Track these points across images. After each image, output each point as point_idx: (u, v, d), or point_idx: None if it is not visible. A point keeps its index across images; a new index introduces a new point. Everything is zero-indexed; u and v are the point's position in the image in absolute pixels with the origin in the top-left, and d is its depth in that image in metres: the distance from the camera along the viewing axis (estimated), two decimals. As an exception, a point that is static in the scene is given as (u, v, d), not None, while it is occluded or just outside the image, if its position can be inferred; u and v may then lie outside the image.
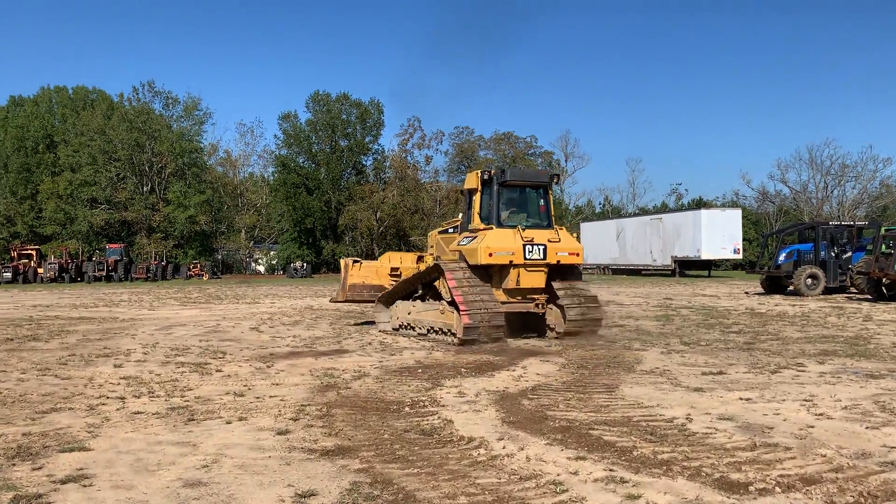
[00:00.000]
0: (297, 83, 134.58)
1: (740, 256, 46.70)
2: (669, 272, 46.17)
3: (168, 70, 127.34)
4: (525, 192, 13.53)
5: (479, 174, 13.00)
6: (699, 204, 64.96)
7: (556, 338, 12.71)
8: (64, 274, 46.08)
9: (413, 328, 13.64)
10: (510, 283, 12.68)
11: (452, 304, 12.26)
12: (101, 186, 54.90)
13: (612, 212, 77.03)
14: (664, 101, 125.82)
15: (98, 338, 13.80)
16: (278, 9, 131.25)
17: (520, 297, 12.89)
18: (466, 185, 13.42)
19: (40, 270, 46.34)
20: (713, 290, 30.31)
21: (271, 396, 7.87)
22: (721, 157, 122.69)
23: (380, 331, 14.54)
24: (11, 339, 13.40)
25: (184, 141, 58.55)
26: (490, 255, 12.20)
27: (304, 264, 56.71)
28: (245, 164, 73.65)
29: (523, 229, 12.60)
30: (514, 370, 9.51)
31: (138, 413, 7.06)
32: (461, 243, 13.01)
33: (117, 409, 7.23)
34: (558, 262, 12.75)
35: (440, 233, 14.99)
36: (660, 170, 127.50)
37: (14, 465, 5.30)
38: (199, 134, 61.86)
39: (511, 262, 12.40)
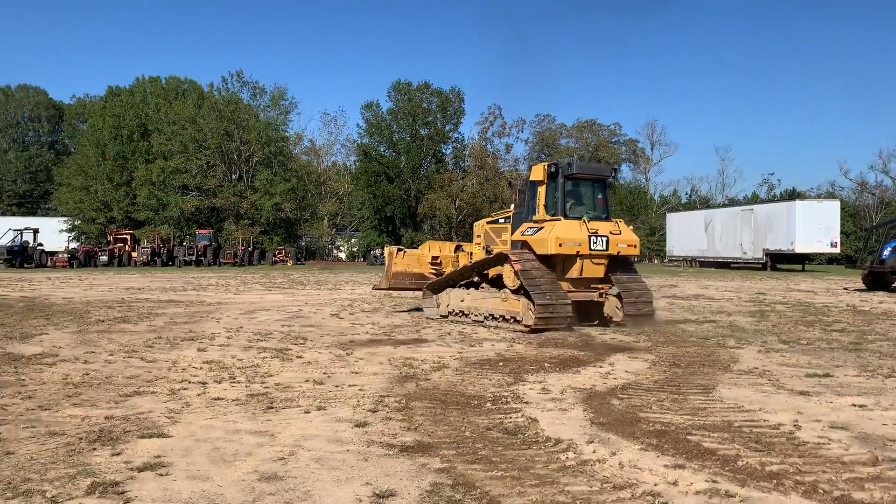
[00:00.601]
0: (380, 73, 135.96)
1: (837, 250, 44.27)
2: (760, 265, 44.21)
3: (256, 61, 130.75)
4: (587, 184, 13.87)
5: (546, 166, 13.32)
6: (792, 195, 61.99)
7: (616, 325, 13.17)
8: (156, 258, 47.87)
9: (466, 315, 13.95)
10: (574, 272, 13.09)
11: (518, 291, 12.63)
12: (191, 174, 56.73)
13: (699, 202, 74.47)
14: (756, 86, 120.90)
15: (184, 321, 14.06)
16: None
17: (582, 287, 13.29)
18: (532, 177, 13.60)
19: (134, 254, 48.29)
20: (808, 285, 28.73)
21: (350, 385, 7.71)
22: (816, 146, 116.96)
23: (427, 317, 14.73)
24: (103, 321, 13.81)
25: (270, 130, 59.77)
26: (560, 245, 12.56)
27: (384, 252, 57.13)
28: (328, 153, 74.95)
29: (587, 221, 12.94)
30: (601, 367, 9.05)
31: (218, 399, 7.01)
32: (526, 233, 13.24)
33: (198, 395, 7.21)
34: (618, 253, 13.24)
35: (489, 223, 15.17)
36: (750, 159, 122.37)
37: (95, 449, 5.27)
38: (284, 123, 63.09)
39: (578, 252, 12.79)
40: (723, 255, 47.39)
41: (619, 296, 13.24)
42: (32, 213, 70.71)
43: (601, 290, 13.37)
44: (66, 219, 59.63)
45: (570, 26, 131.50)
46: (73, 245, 53.74)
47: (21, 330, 12.17)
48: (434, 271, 16.15)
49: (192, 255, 48.71)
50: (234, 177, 58.79)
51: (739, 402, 6.96)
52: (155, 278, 31.40)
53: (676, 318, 15.39)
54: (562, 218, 12.94)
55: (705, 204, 70.87)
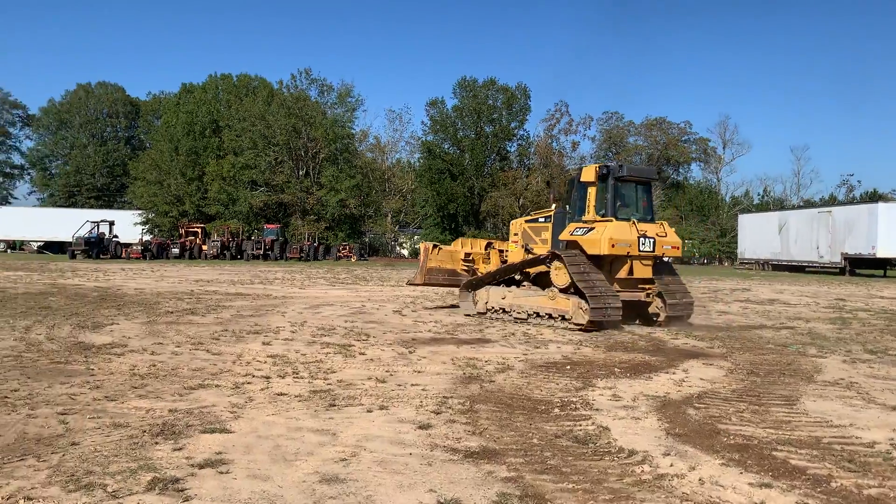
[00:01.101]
0: (446, 69, 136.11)
1: (923, 256, 41.96)
2: (838, 270, 42.31)
3: (324, 58, 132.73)
4: (634, 186, 14.10)
5: (597, 168, 13.56)
6: (874, 197, 59.27)
7: (660, 325, 13.48)
8: (225, 251, 48.98)
9: (507, 312, 14.00)
10: (623, 272, 13.41)
11: (567, 290, 12.94)
12: (260, 169, 57.82)
13: (773, 203, 71.96)
14: (834, 83, 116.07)
15: (250, 314, 14.19)
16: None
17: (629, 287, 13.52)
18: (582, 178, 13.76)
19: (204, 247, 49.51)
20: (892, 291, 27.27)
21: (413, 385, 7.54)
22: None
23: (465, 314, 14.77)
24: (171, 312, 14.04)
25: (337, 127, 60.43)
26: (613, 245, 12.83)
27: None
28: (393, 150, 75.38)
29: (636, 222, 13.30)
30: (674, 373, 8.65)
31: (281, 395, 6.93)
32: (575, 233, 13.47)
33: (261, 389, 7.15)
34: (664, 254, 13.74)
35: (528, 221, 15.37)
36: (828, 159, 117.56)
37: (157, 443, 5.23)
38: (351, 120, 63.67)
39: (628, 253, 13.08)
40: (797, 259, 45.58)
41: (661, 296, 13.56)
42: (109, 206, 73.38)
43: (648, 290, 13.62)
44: (140, 212, 61.58)
45: (639, 23, 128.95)
46: (147, 237, 55.42)
47: (94, 319, 12.46)
48: (466, 268, 16.44)
49: (260, 249, 49.64)
50: (300, 173, 59.67)
51: (827, 416, 6.49)
52: (224, 271, 32.05)
53: (751, 323, 14.73)
54: (613, 219, 13.18)
55: (779, 205, 68.43)
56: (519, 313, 13.76)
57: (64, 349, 9.24)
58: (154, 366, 8.31)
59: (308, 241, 54.12)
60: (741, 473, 4.81)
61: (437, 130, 64.13)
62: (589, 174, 13.56)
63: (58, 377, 7.49)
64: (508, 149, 65.79)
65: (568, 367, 8.89)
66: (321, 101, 62.25)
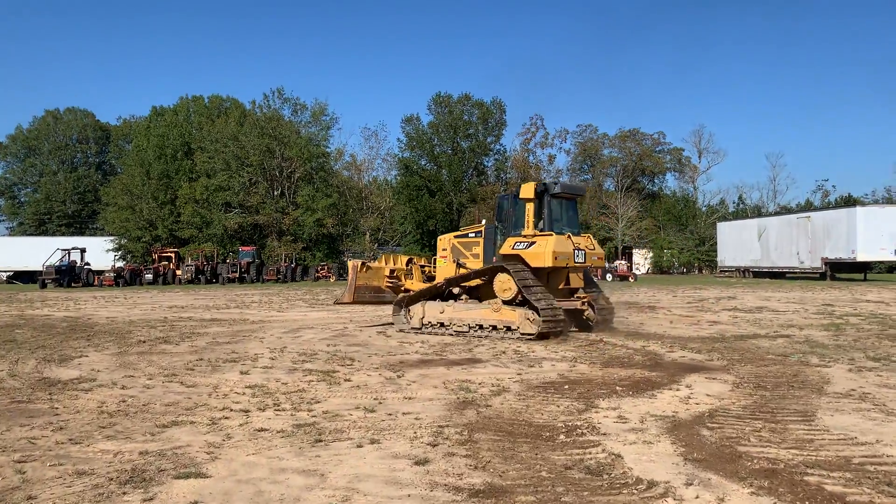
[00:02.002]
0: (420, 86, 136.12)
1: (901, 258, 42.26)
2: (818, 275, 42.48)
3: (296, 77, 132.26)
4: (566, 202, 14.87)
5: (536, 186, 14.17)
6: (848, 201, 59.83)
7: (592, 330, 14.34)
8: (200, 275, 47.98)
9: (445, 326, 14.17)
10: (561, 283, 14.32)
11: (512, 302, 13.45)
12: (234, 191, 57.02)
13: (750, 211, 72.43)
14: (807, 90, 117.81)
15: (227, 341, 13.58)
16: (399, 13, 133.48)
17: (566, 296, 14.26)
18: (522, 195, 14.20)
19: (178, 272, 48.49)
20: (876, 295, 27.25)
21: (404, 413, 7.02)
22: (871, 151, 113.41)
23: (398, 330, 14.75)
24: (144, 342, 13.38)
25: (311, 146, 59.85)
26: (556, 258, 13.45)
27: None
28: (369, 168, 74.89)
29: (571, 236, 14.08)
30: (677, 389, 8.22)
31: (262, 430, 6.38)
32: (517, 247, 13.88)
33: (240, 425, 6.60)
34: (592, 265, 14.49)
35: (457, 237, 15.63)
36: (803, 165, 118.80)
37: (125, 493, 4.67)
38: (325, 139, 63.16)
39: (567, 264, 13.78)
40: (778, 265, 45.73)
41: (590, 303, 14.49)
42: (81, 233, 71.95)
43: (583, 299, 14.40)
44: (112, 238, 60.41)
45: (610, 34, 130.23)
46: (120, 264, 54.26)
47: (60, 352, 11.78)
48: (391, 284, 16.51)
49: (236, 272, 48.73)
50: (276, 193, 58.95)
51: (850, 433, 6.08)
52: (199, 296, 31.26)
53: (744, 332, 14.40)
54: (552, 233, 13.78)
55: (756, 212, 68.90)
56: (459, 326, 13.97)
57: (27, 386, 8.60)
58: (124, 401, 7.71)
59: (285, 262, 53.30)
60: (775, 504, 4.36)
61: (414, 147, 63.88)
62: (528, 191, 14.10)
63: (18, 418, 6.87)
64: (485, 163, 65.72)
65: (566, 386, 8.43)
66: (295, 120, 61.74)
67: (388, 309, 16.47)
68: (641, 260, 67.75)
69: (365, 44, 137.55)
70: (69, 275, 43.60)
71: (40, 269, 44.45)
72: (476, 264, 14.78)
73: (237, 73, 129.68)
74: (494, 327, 13.51)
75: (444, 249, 15.56)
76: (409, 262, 17.07)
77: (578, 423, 6.52)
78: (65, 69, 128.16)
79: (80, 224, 78.01)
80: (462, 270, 14.87)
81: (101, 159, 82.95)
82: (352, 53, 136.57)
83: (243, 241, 56.88)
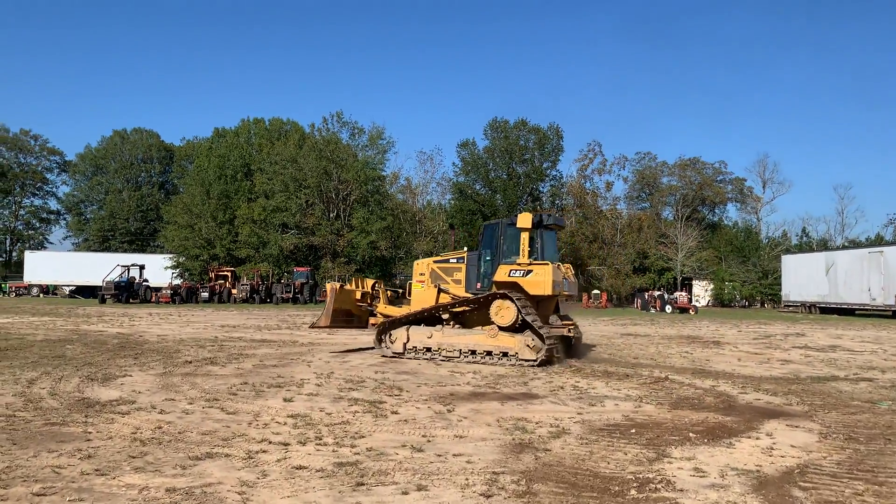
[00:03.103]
0: (477, 111, 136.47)
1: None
2: (892, 313, 40.26)
3: (355, 101, 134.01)
4: (552, 233, 15.34)
5: (533, 217, 14.39)
6: (923, 236, 56.92)
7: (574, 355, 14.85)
8: (255, 295, 48.29)
9: (434, 352, 14.12)
10: (551, 311, 14.85)
11: (510, 328, 13.72)
12: (291, 212, 57.48)
13: (815, 244, 69.74)
14: (879, 120, 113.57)
15: (274, 364, 13.20)
16: (456, 39, 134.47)
17: (545, 323, 14.25)
18: (520, 224, 14.28)
19: (234, 291, 48.91)
20: (959, 336, 25.45)
21: (455, 455, 6.42)
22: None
23: (382, 356, 14.46)
24: (190, 362, 13.10)
25: (368, 169, 60.06)
26: (553, 286, 13.78)
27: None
28: (424, 192, 74.83)
29: (561, 265, 14.67)
30: (757, 438, 7.41)
31: (301, 468, 5.87)
32: (514, 275, 14.03)
33: (278, 461, 6.09)
34: (570, 294, 14.95)
35: (437, 262, 15.56)
36: (873, 198, 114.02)
37: (142, 541, 4.18)
38: (382, 162, 63.26)
39: (559, 293, 14.20)
40: (847, 301, 43.55)
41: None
42: (142, 250, 73.61)
43: (569, 325, 14.90)
44: (171, 255, 61.52)
45: (671, 61, 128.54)
46: (177, 281, 55.11)
47: (105, 370, 11.55)
48: (361, 308, 16.29)
49: (290, 292, 48.92)
50: (331, 215, 59.25)
51: (971, 502, 5.23)
52: (252, 315, 31.25)
53: (821, 373, 13.35)
54: (549, 263, 14.09)
55: (823, 246, 66.29)
56: (449, 352, 13.97)
57: (65, 407, 8.30)
58: (160, 428, 7.31)
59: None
60: None
61: (469, 171, 63.53)
62: (526, 221, 14.24)
63: (48, 443, 6.52)
64: (541, 189, 64.86)
65: (633, 430, 7.69)
66: (352, 143, 62.09)
67: (357, 333, 17.00)
68: (701, 292, 65.72)
69: (423, 69, 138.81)
70: (127, 291, 44.38)
71: (101, 284, 45.38)
72: (458, 290, 14.87)
73: (298, 96, 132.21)
74: (489, 353, 13.70)
75: (421, 274, 15.47)
76: (374, 285, 16.90)
77: (650, 476, 5.81)
78: (133, 91, 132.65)
79: (141, 241, 79.85)
80: (445, 296, 14.90)
81: (164, 178, 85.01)
82: (410, 79, 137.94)
83: (298, 262, 57.19)
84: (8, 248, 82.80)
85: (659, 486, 5.54)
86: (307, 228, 57.60)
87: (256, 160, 61.13)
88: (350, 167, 57.74)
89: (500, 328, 13.76)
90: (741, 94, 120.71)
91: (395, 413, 8.46)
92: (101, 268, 48.60)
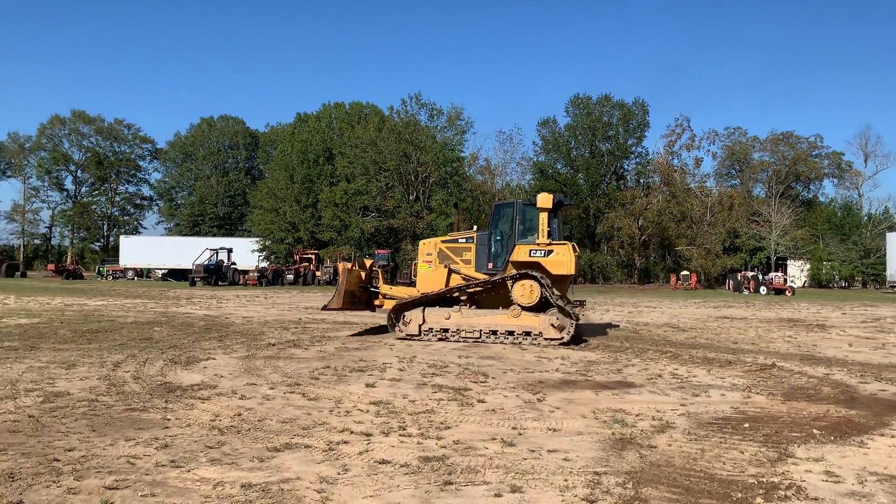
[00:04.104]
0: (558, 88, 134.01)
1: None
2: None
3: (433, 82, 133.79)
4: (561, 215, 15.14)
5: (553, 197, 14.29)
6: None
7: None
8: (337, 277, 48.75)
9: (451, 332, 13.93)
10: (566, 290, 14.94)
11: (533, 308, 13.77)
12: (371, 195, 57.86)
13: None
14: None
15: (356, 347, 12.94)
16: (536, 16, 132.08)
17: (569, 303, 14.36)
18: (540, 204, 14.12)
19: (318, 273, 49.59)
20: None
21: (550, 451, 5.86)
22: None
23: (397, 338, 14.12)
24: (273, 345, 12.98)
25: (446, 151, 59.74)
26: (573, 266, 14.06)
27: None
28: (503, 172, 73.97)
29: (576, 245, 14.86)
30: (892, 436, 6.55)
31: (384, 462, 5.44)
32: (534, 255, 14.05)
33: (359, 454, 5.69)
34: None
35: (445, 242, 15.23)
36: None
37: (212, 546, 3.81)
38: (460, 143, 62.77)
39: (578, 272, 14.88)
40: (961, 281, 40.44)
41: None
42: (230, 234, 75.73)
43: (580, 302, 15.38)
44: (257, 239, 62.97)
45: (761, 32, 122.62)
46: (263, 264, 56.34)
47: (190, 353, 11.51)
48: (363, 287, 16.00)
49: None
50: (411, 198, 59.28)
51: None
52: (334, 298, 31.37)
53: (950, 361, 12.08)
54: (567, 243, 14.25)
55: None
56: (469, 332, 13.85)
57: (146, 391, 8.17)
58: (239, 415, 7.04)
59: (418, 265, 53.20)
60: None
61: (550, 150, 62.30)
62: (547, 201, 14.11)
63: (126, 430, 6.32)
64: (625, 167, 63.05)
65: (746, 424, 6.94)
66: (431, 125, 61.79)
67: (363, 314, 17.09)
68: (797, 272, 62.55)
69: (501, 47, 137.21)
70: (216, 273, 45.53)
71: (191, 267, 46.78)
72: (468, 270, 14.66)
73: (377, 80, 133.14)
74: (511, 333, 13.69)
75: (428, 254, 15.14)
76: (372, 265, 16.66)
77: (775, 480, 5.11)
78: (219, 80, 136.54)
79: (229, 226, 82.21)
80: (455, 277, 14.68)
81: (249, 164, 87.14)
82: (488, 58, 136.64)
83: (379, 245, 57.53)
84: (105, 233, 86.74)
85: (788, 492, 4.84)
86: (387, 211, 57.82)
87: (337, 144, 61.73)
88: (429, 149, 57.48)
89: (523, 308, 13.75)
90: (838, 64, 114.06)
91: (482, 402, 7.96)
92: (192, 251, 50.05)
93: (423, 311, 14.22)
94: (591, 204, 59.66)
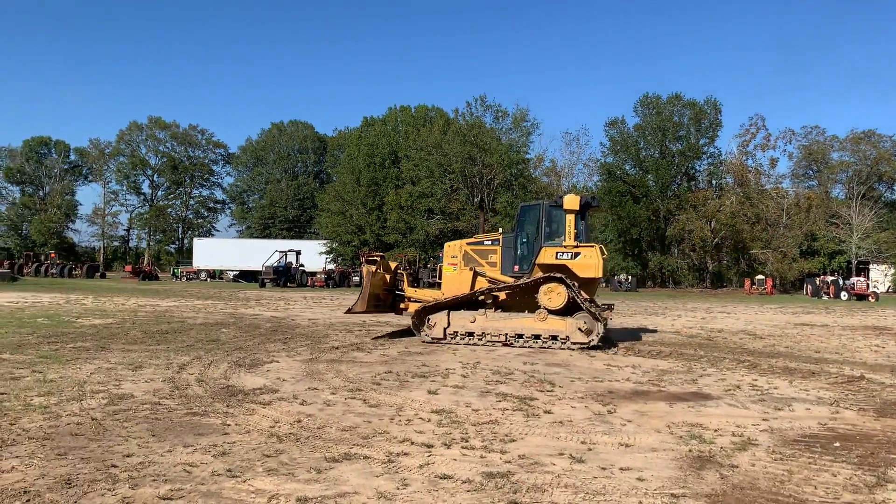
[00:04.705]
0: (626, 87, 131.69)
1: None
2: None
3: (499, 84, 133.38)
4: (588, 215, 14.93)
5: (580, 198, 14.05)
6: None
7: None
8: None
9: (475, 336, 13.74)
10: (593, 293, 14.49)
11: (560, 312, 13.42)
12: (436, 198, 57.88)
13: None
14: None
15: (419, 351, 12.76)
16: (601, 16, 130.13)
17: (596, 307, 13.90)
18: (567, 206, 13.84)
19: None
20: None
21: (622, 469, 5.49)
22: None
23: (423, 341, 13.96)
24: (337, 348, 12.91)
25: (512, 152, 59.23)
26: (602, 269, 13.82)
27: (630, 277, 53.69)
28: (570, 174, 72.95)
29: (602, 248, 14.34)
30: None
31: (445, 477, 5.18)
32: (561, 257, 13.78)
33: (420, 467, 5.44)
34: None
35: (470, 244, 14.99)
36: None
37: (263, 566, 3.62)
38: (526, 145, 62.06)
39: (606, 275, 13.78)
40: None
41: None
42: (300, 237, 77.07)
43: (607, 306, 14.72)
44: (324, 241, 63.81)
45: (833, 26, 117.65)
46: (331, 266, 57.03)
47: (254, 356, 11.52)
48: (388, 290, 15.88)
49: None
50: (476, 200, 59.04)
51: None
52: (399, 300, 31.37)
53: None
54: (595, 245, 14.05)
55: None
56: (494, 336, 13.65)
57: (209, 395, 8.14)
58: (299, 421, 6.90)
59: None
60: None
61: (618, 151, 60.99)
62: (574, 203, 13.85)
63: (186, 436, 6.25)
64: (697, 168, 61.23)
65: (836, 443, 6.41)
66: (496, 126, 61.39)
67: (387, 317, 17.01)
68: (880, 277, 59.55)
69: (567, 47, 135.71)
70: (285, 275, 46.28)
71: (261, 269, 47.68)
72: (493, 272, 14.43)
73: (442, 82, 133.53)
74: (537, 336, 13.49)
75: (453, 257, 15.00)
76: (396, 268, 16.54)
77: (876, 510, 4.62)
78: (289, 85, 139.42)
79: (298, 228, 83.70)
80: (481, 279, 14.42)
81: (318, 168, 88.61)
82: (554, 58, 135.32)
83: (443, 247, 57.44)
84: (180, 236, 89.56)
85: (892, 526, 4.36)
86: (452, 213, 57.72)
87: (403, 147, 61.98)
88: (494, 151, 57.14)
89: (549, 311, 13.48)
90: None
91: (549, 412, 7.62)
92: (262, 254, 51.05)
93: (448, 315, 14.03)
94: (662, 206, 58.11)
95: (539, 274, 13.84)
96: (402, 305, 15.80)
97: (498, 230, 15.27)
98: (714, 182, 60.93)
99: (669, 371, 10.91)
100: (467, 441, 6.30)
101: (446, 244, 15.69)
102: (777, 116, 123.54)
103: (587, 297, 13.63)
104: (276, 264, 46.99)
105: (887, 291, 57.33)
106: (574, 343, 13.28)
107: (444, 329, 13.97)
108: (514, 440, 6.37)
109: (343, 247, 62.00)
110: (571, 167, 71.51)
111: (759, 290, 48.78)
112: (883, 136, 71.98)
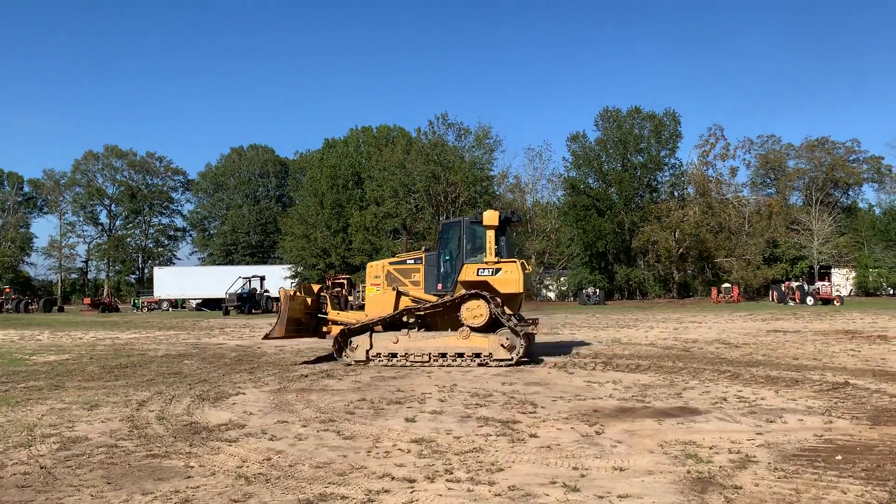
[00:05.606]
0: (586, 102, 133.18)
1: None
2: None
3: (460, 102, 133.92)
4: (509, 231, 14.69)
5: (500, 213, 14.00)
6: None
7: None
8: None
9: (399, 357, 13.54)
10: (517, 308, 14.38)
11: (482, 329, 13.32)
12: (401, 217, 57.47)
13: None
14: None
15: (392, 375, 12.28)
16: (559, 30, 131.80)
17: (521, 321, 14.04)
18: (486, 222, 13.72)
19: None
20: None
21: (621, 497, 5.11)
22: None
23: (346, 364, 13.79)
24: (306, 376, 12.37)
25: (475, 170, 59.17)
26: (522, 284, 13.67)
27: (597, 290, 53.75)
28: (534, 190, 73.14)
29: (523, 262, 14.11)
30: None
31: (430, 516, 4.74)
32: (482, 273, 13.61)
33: (403, 505, 5.00)
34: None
35: (393, 264, 14.85)
36: None
37: None
38: (489, 162, 62.12)
39: (527, 290, 14.39)
40: None
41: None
42: (263, 262, 75.89)
43: (534, 321, 14.59)
44: (289, 266, 62.86)
45: (789, 36, 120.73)
46: (296, 291, 56.09)
47: (219, 388, 10.94)
48: (310, 313, 15.67)
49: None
50: (441, 218, 58.74)
51: None
52: (367, 323, 30.80)
53: None
54: (516, 260, 13.87)
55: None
56: (418, 356, 13.43)
57: (170, 434, 7.58)
58: (268, 459, 6.40)
59: (452, 287, 52.53)
60: None
61: (580, 165, 61.35)
62: (493, 219, 13.72)
63: (144, 482, 5.72)
64: (659, 179, 61.83)
65: (839, 456, 6.11)
66: (459, 144, 61.33)
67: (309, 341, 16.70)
68: (842, 280, 60.58)
69: (527, 63, 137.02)
70: (249, 302, 45.35)
71: (224, 296, 46.65)
72: (417, 291, 14.25)
73: (403, 102, 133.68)
74: (461, 355, 13.30)
75: (376, 277, 14.82)
76: (319, 290, 16.19)
77: (897, 531, 4.30)
78: (247, 109, 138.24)
79: (262, 253, 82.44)
80: (405, 299, 14.23)
81: (280, 192, 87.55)
82: (516, 75, 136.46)
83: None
84: (140, 266, 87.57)
85: (919, 548, 4.04)
86: (418, 233, 57.29)
87: (366, 168, 61.58)
88: (458, 169, 56.98)
89: (472, 329, 13.36)
90: (872, 65, 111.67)
91: (534, 436, 7.23)
92: (225, 280, 50.00)
93: (371, 336, 13.86)
94: (626, 218, 58.43)
95: (462, 291, 13.70)
96: (324, 329, 15.51)
97: (421, 249, 15.20)
98: (676, 193, 61.56)
99: (651, 385, 10.60)
100: (451, 473, 5.87)
101: (368, 264, 15.48)
102: (735, 127, 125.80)
103: (511, 312, 13.54)
104: (239, 291, 46.05)
105: (849, 294, 58.30)
106: (496, 360, 13.12)
107: (367, 351, 13.81)
108: (501, 469, 5.96)
109: (308, 270, 61.11)
110: (535, 182, 71.70)
111: (726, 299, 49.17)
112: (837, 142, 73.72)
